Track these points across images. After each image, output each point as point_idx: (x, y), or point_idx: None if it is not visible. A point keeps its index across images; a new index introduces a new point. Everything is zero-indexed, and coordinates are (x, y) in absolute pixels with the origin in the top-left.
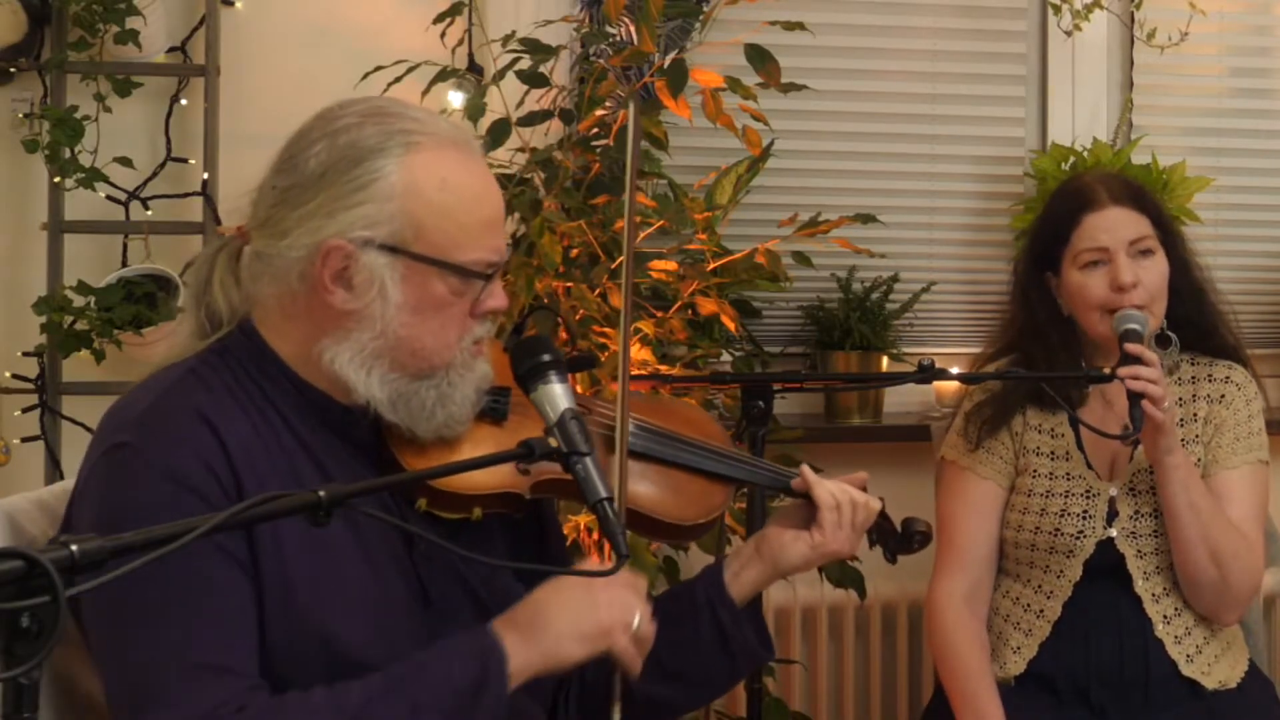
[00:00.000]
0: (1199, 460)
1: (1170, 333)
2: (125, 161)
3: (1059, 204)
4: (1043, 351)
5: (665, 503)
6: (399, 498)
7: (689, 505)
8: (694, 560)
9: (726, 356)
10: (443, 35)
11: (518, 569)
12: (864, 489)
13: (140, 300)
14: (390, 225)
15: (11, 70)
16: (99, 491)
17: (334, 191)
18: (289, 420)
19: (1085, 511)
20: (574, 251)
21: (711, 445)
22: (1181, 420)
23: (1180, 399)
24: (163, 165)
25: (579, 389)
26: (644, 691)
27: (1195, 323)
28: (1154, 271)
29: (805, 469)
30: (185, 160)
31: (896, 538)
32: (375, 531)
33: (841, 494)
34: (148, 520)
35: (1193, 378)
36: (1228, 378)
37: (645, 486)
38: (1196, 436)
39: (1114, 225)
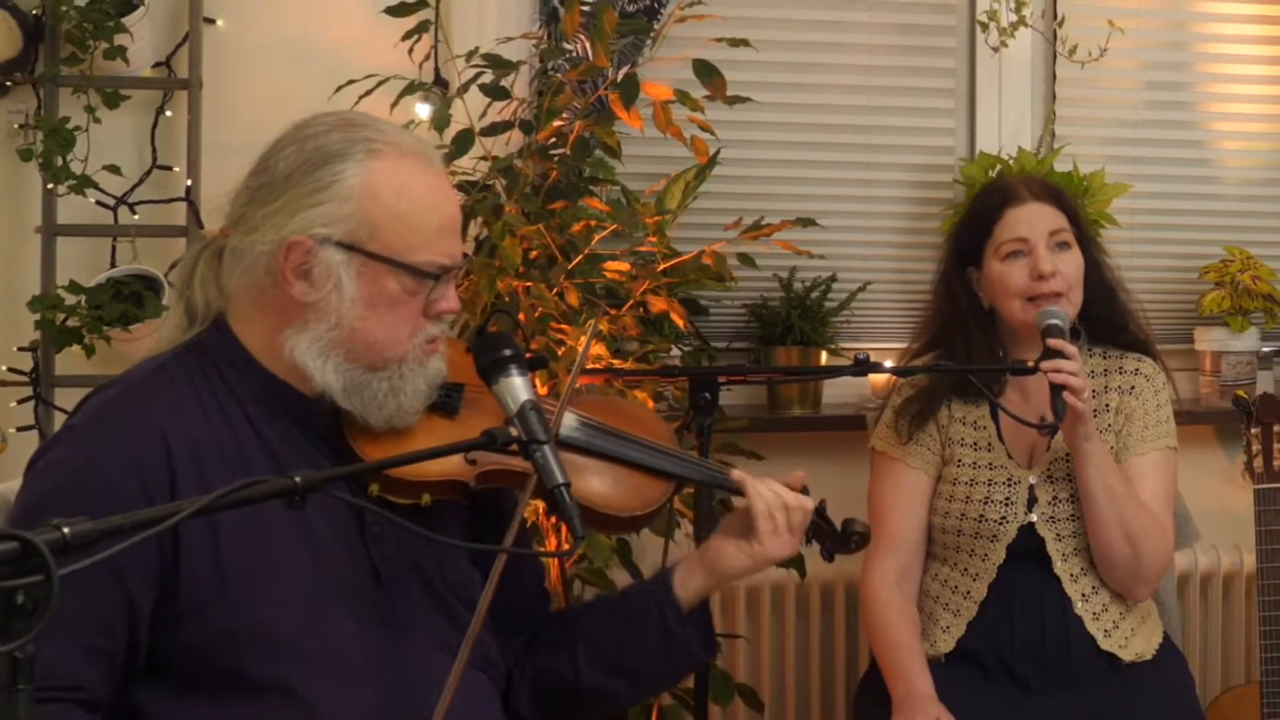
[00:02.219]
0: (1112, 447)
1: (1079, 326)
2: (114, 169)
3: (982, 201)
4: (963, 342)
5: (605, 495)
6: (352, 484)
7: (628, 498)
8: (645, 542)
9: (676, 351)
10: (410, 51)
11: (466, 548)
12: (804, 489)
13: (128, 299)
14: (348, 224)
15: (7, 84)
16: (37, 471)
17: (298, 191)
18: (249, 413)
19: (1007, 498)
20: (533, 253)
21: (653, 443)
22: (1095, 410)
23: (1094, 390)
24: (149, 173)
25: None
26: (591, 681)
27: (1107, 319)
28: (1071, 264)
29: (744, 478)
30: (170, 168)
31: (835, 537)
32: (321, 517)
33: (775, 500)
34: (66, 504)
35: (1105, 370)
36: (1137, 370)
37: (587, 479)
38: (1109, 425)
39: (1034, 218)
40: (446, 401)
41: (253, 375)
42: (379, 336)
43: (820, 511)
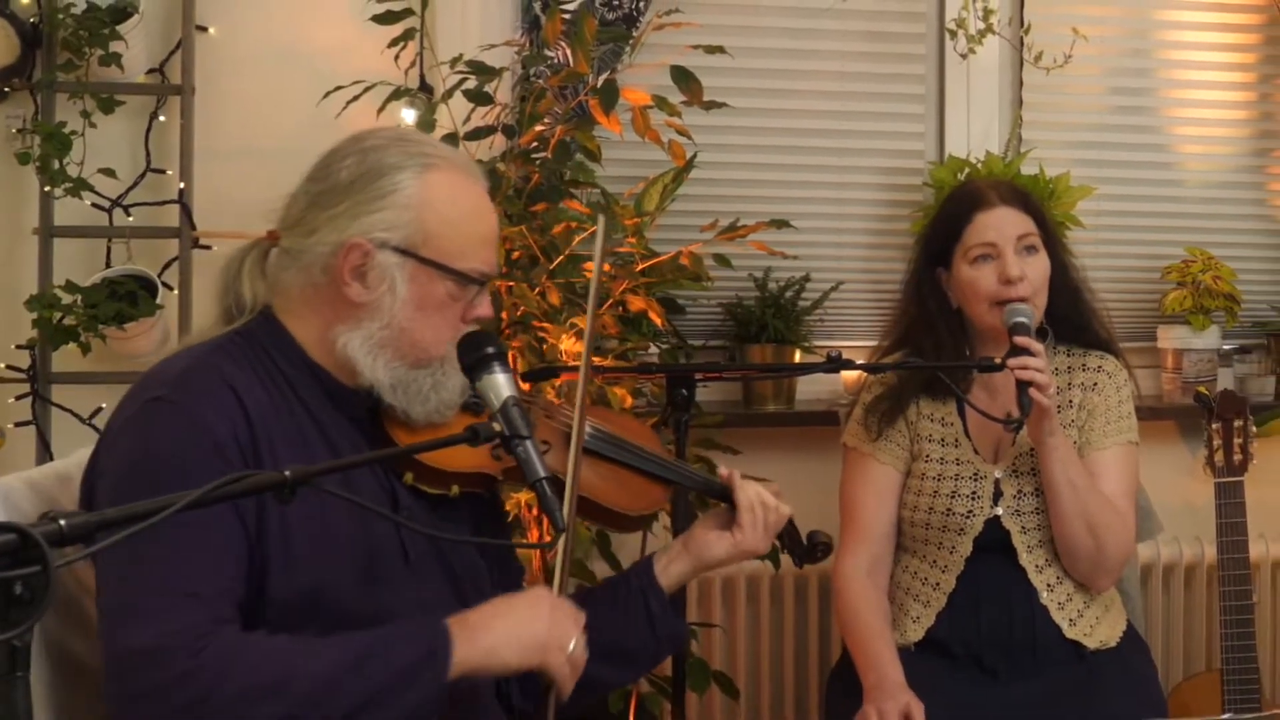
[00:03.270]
0: (1075, 442)
1: (1046, 326)
2: (109, 172)
3: (952, 205)
4: (931, 341)
5: (612, 494)
6: (390, 471)
7: (633, 499)
8: (622, 536)
9: (654, 349)
10: (396, 58)
11: (460, 541)
12: (776, 495)
13: (123, 298)
14: (404, 230)
15: (6, 90)
16: (136, 436)
17: (360, 198)
18: (300, 394)
19: (974, 493)
20: (515, 254)
21: (654, 454)
22: (1059, 406)
23: (1058, 387)
24: (143, 176)
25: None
26: None
27: (1071, 318)
28: (1038, 267)
29: (734, 473)
30: (163, 171)
31: (802, 548)
32: (369, 496)
33: (756, 497)
34: (177, 464)
35: (1069, 368)
36: (1100, 367)
37: (597, 479)
38: (1073, 421)
39: (1002, 223)
40: (477, 402)
41: (301, 363)
42: (425, 337)
43: (791, 522)
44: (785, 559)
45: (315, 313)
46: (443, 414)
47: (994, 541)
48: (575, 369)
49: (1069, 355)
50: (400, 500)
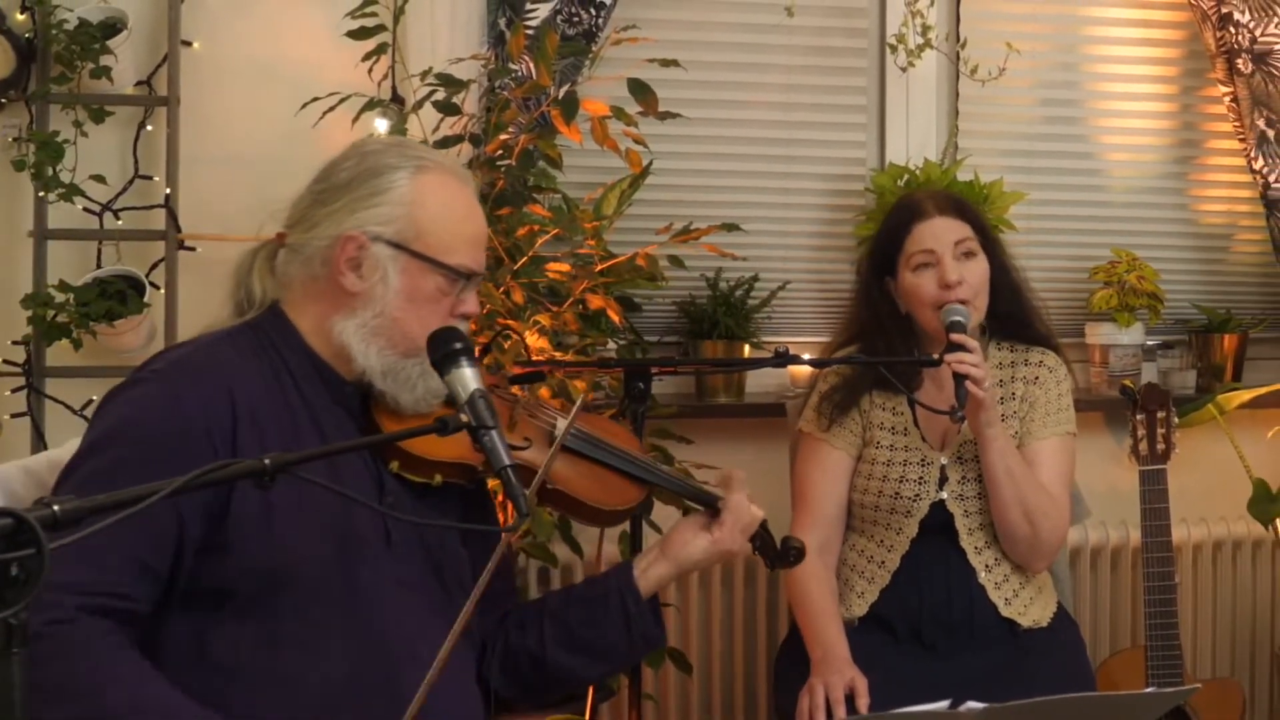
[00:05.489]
0: (1015, 433)
1: (985, 325)
2: (99, 178)
3: (893, 217)
4: (883, 343)
5: (591, 490)
6: (378, 459)
7: (609, 495)
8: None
9: (612, 345)
10: (370, 71)
11: (432, 525)
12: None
13: (112, 297)
14: (398, 225)
15: (2, 101)
16: (117, 402)
17: (357, 194)
18: (298, 384)
19: (920, 478)
20: None
21: (633, 454)
22: (1001, 399)
23: (1000, 381)
24: (131, 182)
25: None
26: (555, 657)
27: (1013, 316)
28: (976, 271)
29: (737, 473)
30: (150, 177)
31: (775, 552)
32: (354, 479)
33: (739, 500)
34: (138, 435)
35: (1011, 362)
36: (1040, 362)
37: (575, 475)
38: (1014, 412)
39: (940, 232)
40: None
41: (302, 353)
42: (414, 328)
43: (764, 525)
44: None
45: (315, 303)
46: (429, 403)
47: (937, 524)
48: (543, 364)
49: (1011, 351)
50: (386, 487)
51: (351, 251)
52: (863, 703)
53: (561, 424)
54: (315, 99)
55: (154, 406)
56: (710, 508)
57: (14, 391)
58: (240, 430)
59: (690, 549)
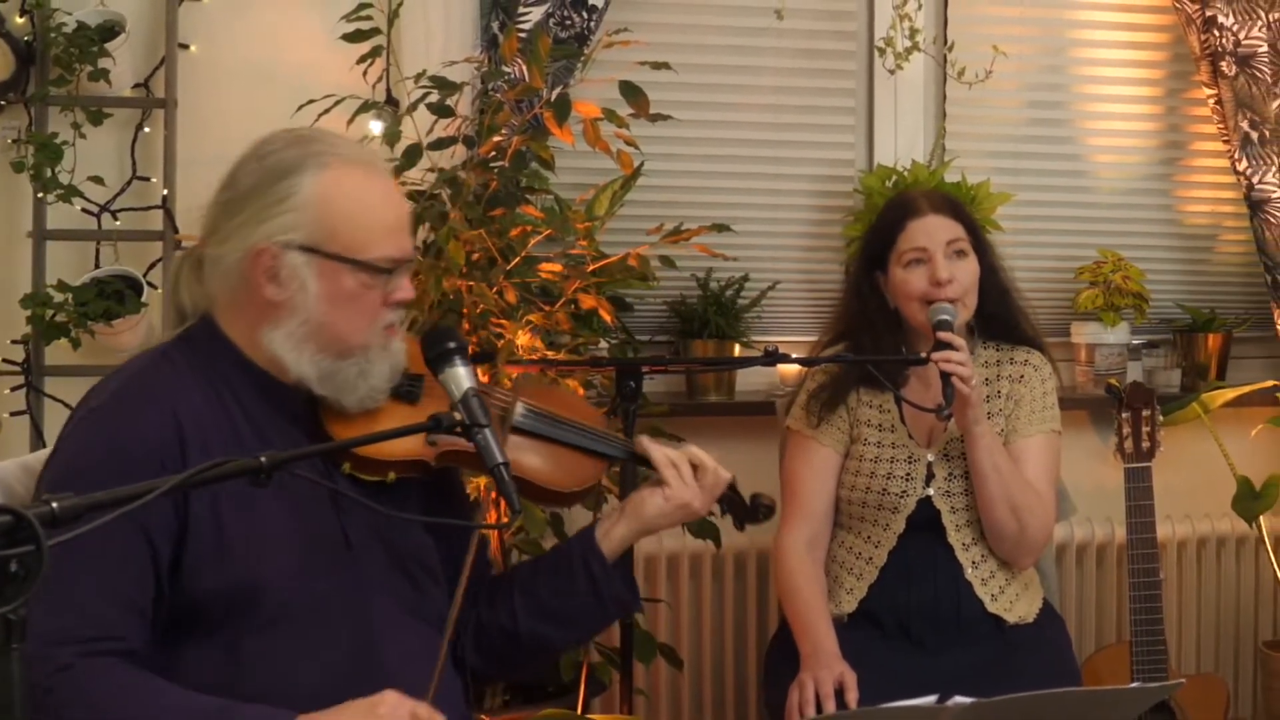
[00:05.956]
0: (1002, 430)
1: (973, 324)
2: (97, 180)
3: (887, 213)
4: (870, 339)
5: (547, 473)
6: (328, 462)
7: (566, 475)
8: (577, 516)
9: (604, 344)
10: (365, 73)
11: (423, 521)
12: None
13: (110, 296)
14: (306, 230)
15: (2, 104)
16: (67, 449)
17: (260, 204)
18: (238, 396)
19: (907, 474)
20: (475, 255)
21: (586, 425)
22: (988, 397)
23: (986, 379)
24: (129, 183)
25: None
26: (528, 627)
27: (1001, 316)
28: (966, 270)
29: (642, 438)
30: (148, 179)
31: (745, 509)
32: (304, 491)
33: (677, 455)
34: (87, 483)
35: (998, 361)
36: (1026, 361)
37: (532, 459)
38: (1000, 410)
39: (932, 230)
40: (410, 390)
41: (238, 365)
42: (343, 329)
43: (732, 486)
44: (725, 536)
45: (242, 315)
46: (375, 400)
47: (925, 520)
48: (536, 363)
49: (998, 350)
50: (339, 489)
51: (266, 262)
52: (852, 697)
53: (520, 408)
54: (311, 101)
55: (98, 449)
56: (648, 465)
57: (13, 390)
58: (189, 449)
59: (647, 506)
